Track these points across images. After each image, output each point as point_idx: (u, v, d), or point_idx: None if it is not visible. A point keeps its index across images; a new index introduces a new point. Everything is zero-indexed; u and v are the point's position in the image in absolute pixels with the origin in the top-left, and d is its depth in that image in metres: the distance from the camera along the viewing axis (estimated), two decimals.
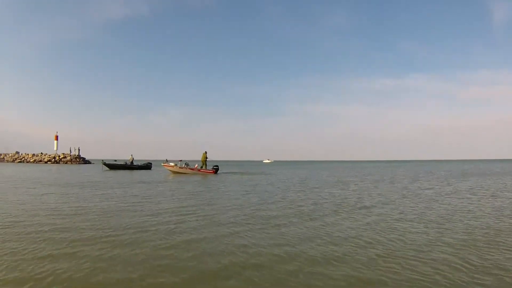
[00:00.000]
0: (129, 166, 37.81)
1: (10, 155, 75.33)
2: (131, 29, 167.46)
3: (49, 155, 69.95)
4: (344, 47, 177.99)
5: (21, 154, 74.96)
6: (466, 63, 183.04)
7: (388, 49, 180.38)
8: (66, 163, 65.73)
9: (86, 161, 70.05)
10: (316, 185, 16.91)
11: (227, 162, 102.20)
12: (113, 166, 37.43)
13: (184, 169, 28.27)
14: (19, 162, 70.62)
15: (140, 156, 41.47)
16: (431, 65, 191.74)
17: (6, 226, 6.38)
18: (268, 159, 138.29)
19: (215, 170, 28.29)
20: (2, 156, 75.93)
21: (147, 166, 39.12)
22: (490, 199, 10.92)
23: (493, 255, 4.68)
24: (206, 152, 28.80)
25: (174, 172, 28.43)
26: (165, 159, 30.12)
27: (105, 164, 37.34)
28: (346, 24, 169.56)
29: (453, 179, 22.26)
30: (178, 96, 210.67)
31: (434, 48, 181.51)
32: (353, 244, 5.25)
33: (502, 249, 5.01)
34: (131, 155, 39.71)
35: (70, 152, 69.34)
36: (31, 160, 70.19)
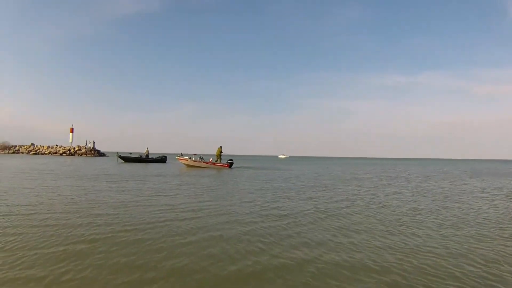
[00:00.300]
0: (144, 159, 38.18)
1: (25, 147, 76.65)
2: (142, 25, 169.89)
3: (64, 147, 71.33)
4: (356, 43, 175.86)
5: (36, 146, 76.26)
6: (481, 60, 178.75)
7: (400, 45, 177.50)
8: (81, 155, 66.95)
9: (101, 154, 71.03)
10: (331, 181, 16.92)
11: (241, 157, 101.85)
12: (128, 159, 37.81)
13: (199, 162, 28.59)
14: (34, 153, 72.12)
15: (151, 149, 41.66)
16: (443, 61, 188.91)
17: (23, 219, 6.39)
18: (283, 155, 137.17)
19: (230, 164, 28.46)
20: (17, 148, 77.59)
21: (162, 159, 39.40)
22: (504, 198, 10.89)
23: (510, 252, 4.72)
24: (221, 147, 29.12)
25: (189, 166, 28.78)
26: (179, 153, 30.46)
27: (120, 156, 37.76)
28: (358, 19, 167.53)
29: (468, 178, 22.00)
30: (188, 91, 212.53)
31: (446, 45, 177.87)
32: (370, 239, 5.35)
33: None
34: (147, 148, 40.20)
35: (86, 144, 70.67)
36: (46, 152, 71.62)
